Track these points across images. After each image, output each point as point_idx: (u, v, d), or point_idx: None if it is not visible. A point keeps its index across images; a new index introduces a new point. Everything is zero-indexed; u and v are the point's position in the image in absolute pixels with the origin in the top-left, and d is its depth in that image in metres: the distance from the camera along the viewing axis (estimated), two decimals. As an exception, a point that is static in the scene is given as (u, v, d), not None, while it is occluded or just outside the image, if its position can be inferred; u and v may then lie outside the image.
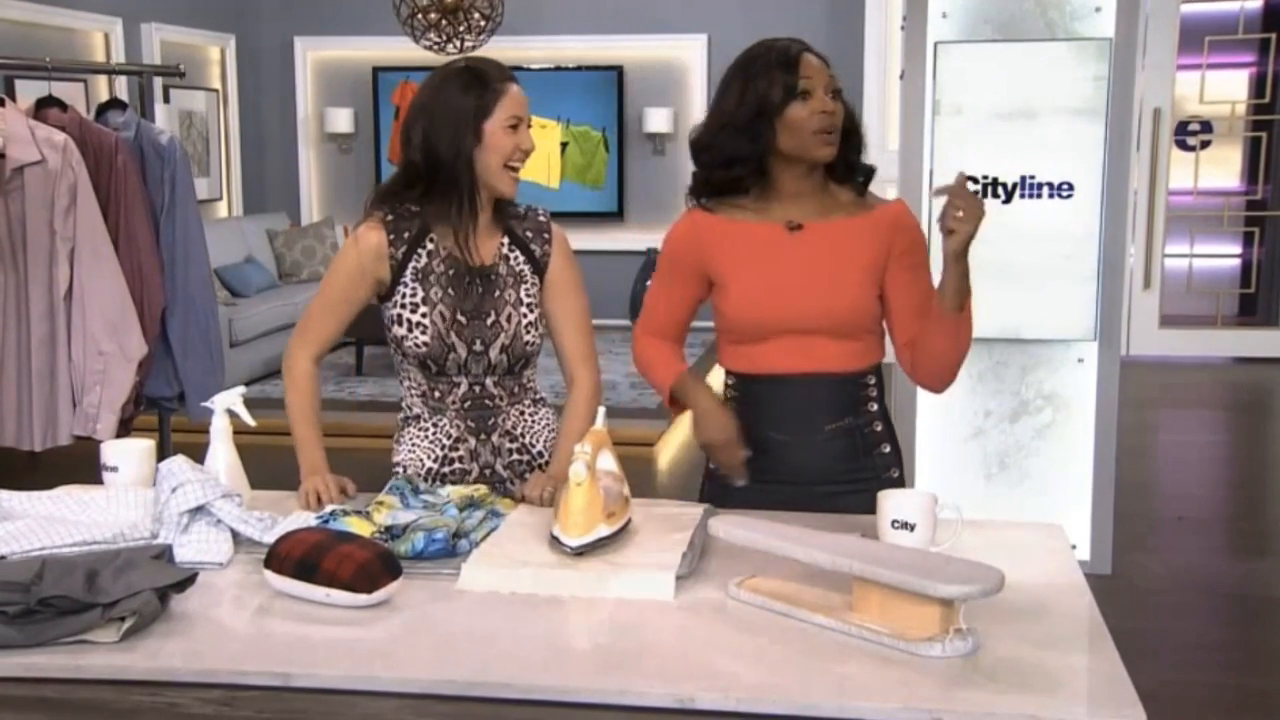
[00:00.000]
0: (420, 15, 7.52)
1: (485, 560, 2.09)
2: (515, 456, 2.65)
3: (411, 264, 2.55)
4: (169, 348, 4.46)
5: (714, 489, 2.60)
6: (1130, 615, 4.68)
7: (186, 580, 1.96)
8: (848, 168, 2.53)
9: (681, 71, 9.82)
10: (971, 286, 2.44)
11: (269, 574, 2.00)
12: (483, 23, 7.60)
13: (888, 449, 2.60)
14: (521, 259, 2.61)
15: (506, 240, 2.61)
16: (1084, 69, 4.67)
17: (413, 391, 2.64)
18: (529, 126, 2.55)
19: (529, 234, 2.62)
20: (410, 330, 2.55)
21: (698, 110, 9.60)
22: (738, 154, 2.47)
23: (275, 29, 10.14)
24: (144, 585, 1.89)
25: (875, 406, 2.59)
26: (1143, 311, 8.97)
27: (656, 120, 9.77)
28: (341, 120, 10.16)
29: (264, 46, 10.15)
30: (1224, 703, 3.91)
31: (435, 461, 2.62)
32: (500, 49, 8.77)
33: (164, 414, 4.64)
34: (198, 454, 2.47)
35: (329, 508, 2.29)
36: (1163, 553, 5.28)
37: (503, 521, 2.28)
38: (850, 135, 2.51)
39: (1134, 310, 8.95)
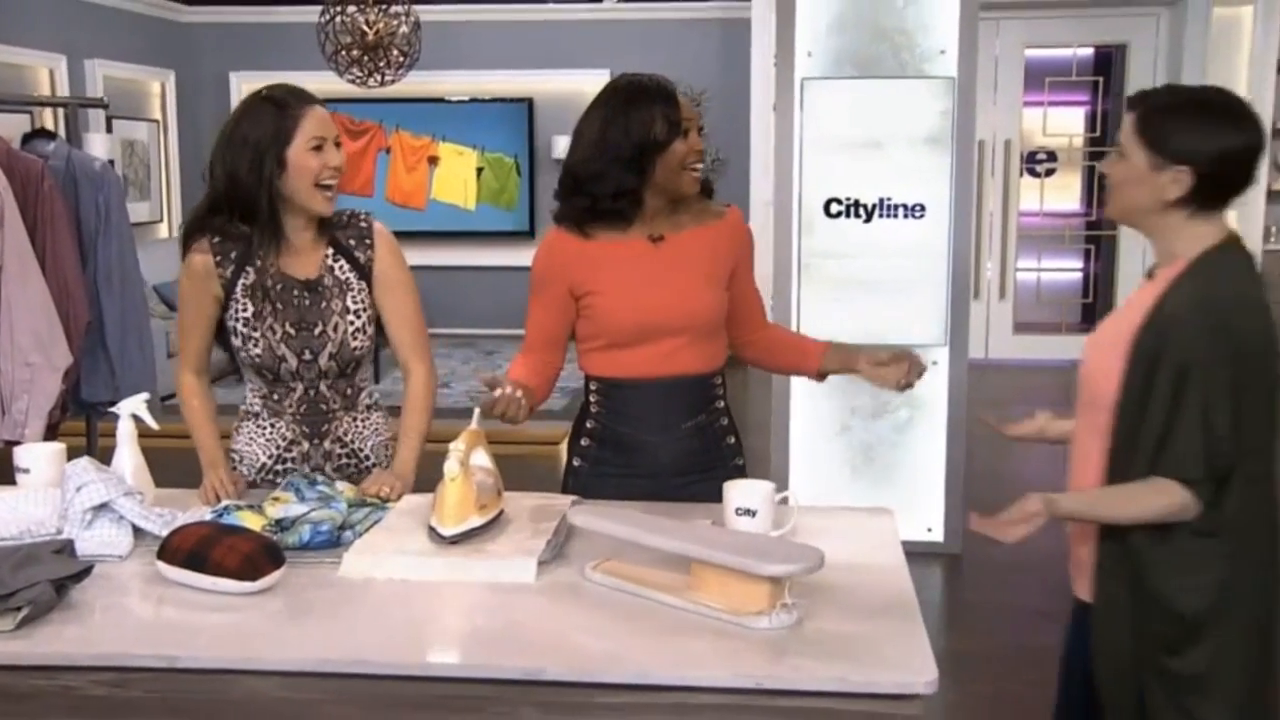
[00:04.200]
0: (344, 52, 7.42)
1: (365, 549, 2.08)
2: (344, 461, 2.59)
3: (240, 280, 2.47)
4: (109, 356, 4.39)
5: (576, 483, 2.58)
6: (977, 589, 4.77)
7: (83, 572, 1.93)
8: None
9: (586, 103, 9.79)
10: None
11: (161, 565, 1.98)
12: (401, 59, 7.52)
13: (732, 440, 2.63)
14: (346, 267, 2.52)
15: (331, 251, 2.53)
16: (932, 104, 4.76)
17: (254, 393, 2.58)
18: (337, 144, 2.44)
19: (352, 242, 2.54)
20: (244, 343, 2.49)
21: (600, 139, 9.61)
22: (624, 186, 2.42)
23: (212, 65, 9.99)
24: (41, 577, 1.86)
25: (722, 404, 2.62)
26: (999, 320, 9.14)
27: (564, 147, 9.74)
28: (274, 148, 10.02)
29: (202, 80, 9.98)
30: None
31: (270, 459, 2.56)
32: (420, 83, 8.74)
33: (93, 419, 4.57)
34: (150, 456, 2.45)
35: (224, 503, 2.27)
36: (1008, 534, 5.35)
37: (387, 514, 2.27)
38: None
39: (991, 319, 9.12)
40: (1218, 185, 2.01)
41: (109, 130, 8.63)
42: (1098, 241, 9.29)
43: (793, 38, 4.85)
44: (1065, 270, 9.47)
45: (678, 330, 2.49)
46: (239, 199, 2.41)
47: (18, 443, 3.80)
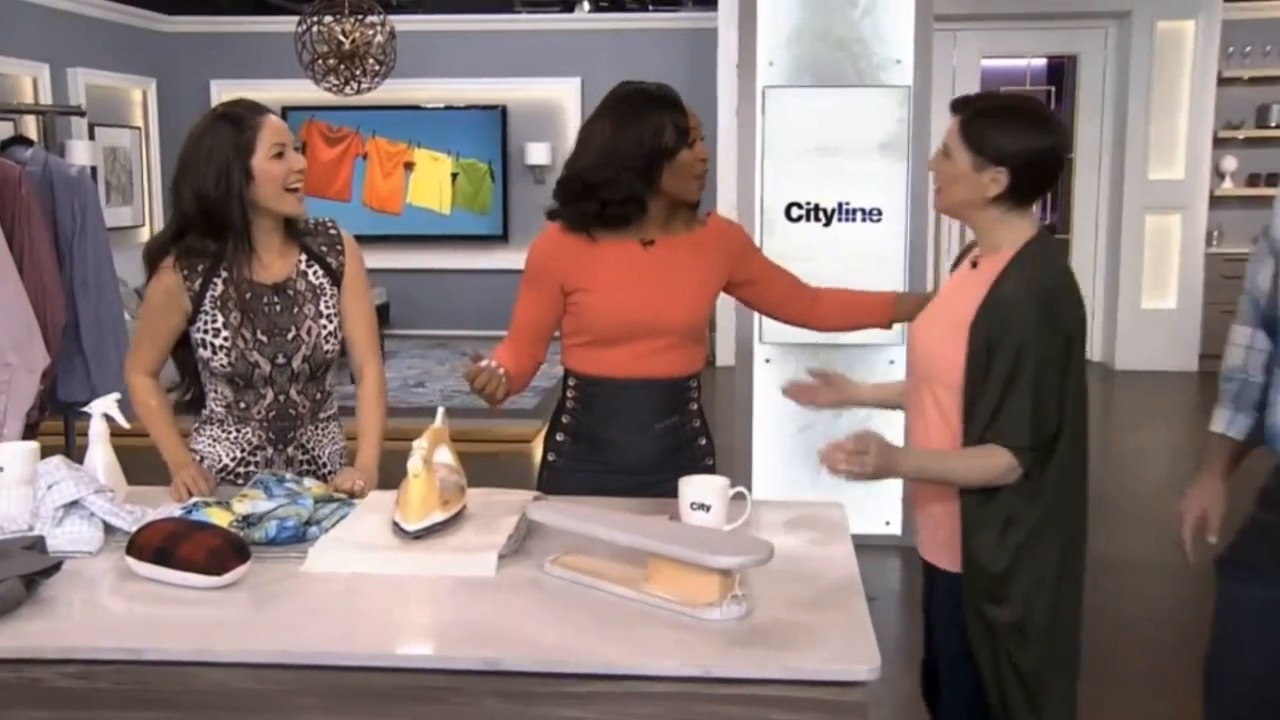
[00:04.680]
0: (320, 61, 7.40)
1: (331, 544, 2.07)
2: (305, 467, 2.58)
3: (209, 293, 2.45)
4: (85, 357, 4.36)
5: (551, 478, 2.57)
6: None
7: (53, 567, 1.92)
8: None
9: (558, 110, 9.81)
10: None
11: (130, 560, 1.97)
12: (376, 67, 7.49)
13: (704, 441, 2.62)
14: (320, 272, 2.53)
15: (304, 257, 2.53)
16: (889, 112, 4.78)
17: (218, 403, 2.55)
18: (296, 149, 2.45)
19: (324, 248, 2.55)
20: (215, 353, 2.46)
21: (573, 144, 9.62)
22: (634, 192, 2.40)
23: (193, 74, 9.93)
24: (10, 573, 1.84)
25: (695, 406, 2.60)
26: (957, 320, 9.19)
27: (536, 154, 9.76)
28: (253, 154, 9.96)
29: (182, 89, 9.92)
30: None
31: (233, 461, 2.54)
32: (396, 91, 8.73)
33: (71, 418, 4.53)
34: (122, 455, 2.42)
35: (193, 499, 2.25)
36: (964, 526, 5.37)
37: (353, 510, 2.26)
38: None
39: (949, 319, 9.15)
40: (1030, 184, 2.17)
41: (91, 137, 8.58)
42: (1051, 245, 9.38)
43: (754, 47, 4.86)
44: (1020, 272, 9.54)
45: (659, 332, 2.48)
46: (210, 215, 2.40)
47: (-4, 442, 3.78)
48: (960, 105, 2.22)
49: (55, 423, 4.51)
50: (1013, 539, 2.14)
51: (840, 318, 2.76)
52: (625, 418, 2.52)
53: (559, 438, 2.59)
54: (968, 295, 2.19)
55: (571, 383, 2.58)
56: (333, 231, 2.59)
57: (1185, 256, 8.76)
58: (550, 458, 2.61)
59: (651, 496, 2.41)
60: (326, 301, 2.53)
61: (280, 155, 2.42)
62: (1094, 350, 9.17)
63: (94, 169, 8.62)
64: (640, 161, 2.38)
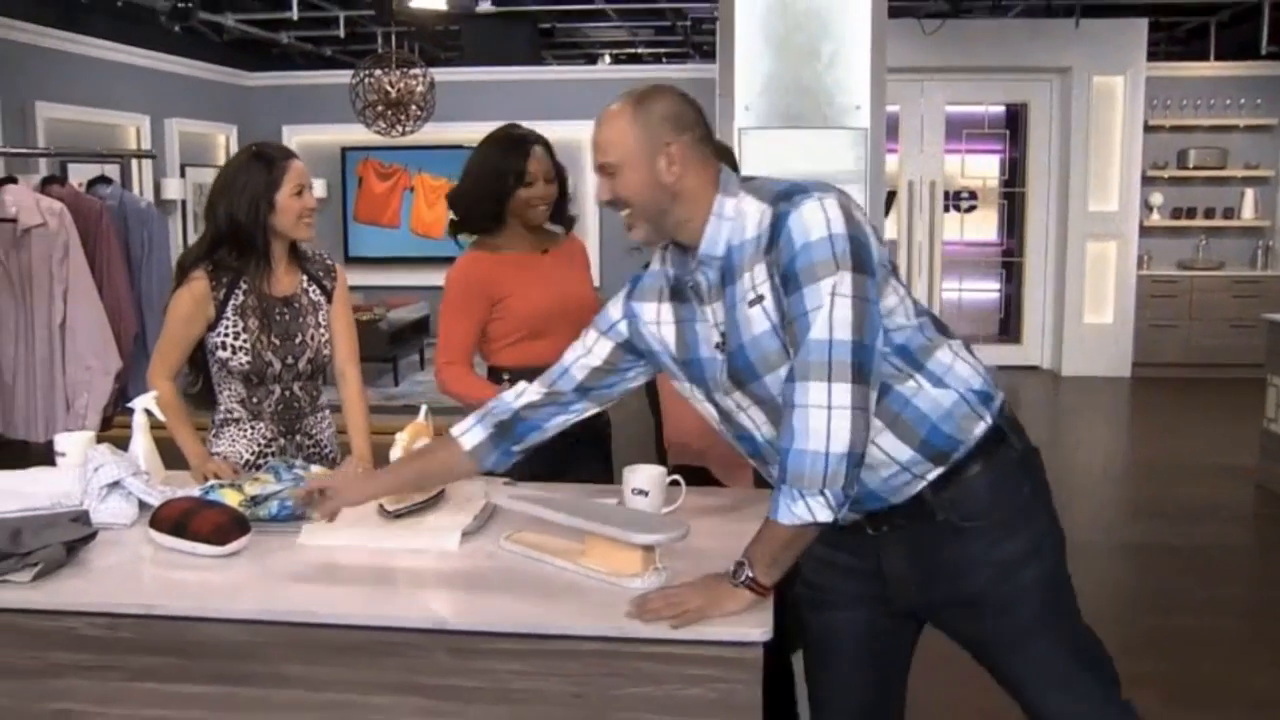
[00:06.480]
0: (370, 108, 7.50)
1: (323, 522, 2.11)
2: (311, 451, 2.65)
3: (231, 302, 2.53)
4: (149, 362, 4.44)
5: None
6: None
7: (90, 536, 1.98)
8: (558, 217, 2.76)
9: (579, 149, 9.75)
10: None
11: (152, 532, 2.03)
12: (419, 113, 7.59)
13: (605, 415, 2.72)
14: (317, 291, 2.64)
15: (305, 279, 2.63)
16: (849, 150, 4.80)
17: (232, 399, 2.60)
18: (310, 189, 2.55)
19: (320, 273, 2.66)
20: (234, 354, 2.53)
21: (590, 179, 9.66)
22: (488, 211, 2.66)
23: (269, 120, 10.02)
24: (55, 540, 1.91)
25: None
26: (927, 333, 9.14)
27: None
28: (318, 188, 10.06)
29: (259, 133, 9.98)
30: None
31: (252, 455, 2.60)
32: (438, 133, 8.82)
33: (142, 414, 4.62)
34: (162, 445, 2.51)
35: (210, 482, 2.31)
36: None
37: (349, 492, 2.31)
38: (561, 199, 2.74)
39: (921, 332, 9.11)
40: None
41: (182, 175, 8.76)
42: (1010, 267, 9.37)
43: (732, 94, 4.90)
44: (985, 291, 9.53)
45: (575, 319, 2.50)
46: (238, 235, 2.50)
47: (77, 432, 3.87)
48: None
49: (126, 417, 4.60)
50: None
51: None
52: None
53: None
54: None
55: (506, 377, 2.62)
56: (329, 262, 2.72)
57: (1120, 278, 8.75)
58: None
59: (570, 461, 2.46)
60: (323, 315, 2.64)
61: (299, 194, 2.52)
62: (1044, 359, 9.20)
63: (184, 202, 8.78)
64: (490, 190, 2.64)
